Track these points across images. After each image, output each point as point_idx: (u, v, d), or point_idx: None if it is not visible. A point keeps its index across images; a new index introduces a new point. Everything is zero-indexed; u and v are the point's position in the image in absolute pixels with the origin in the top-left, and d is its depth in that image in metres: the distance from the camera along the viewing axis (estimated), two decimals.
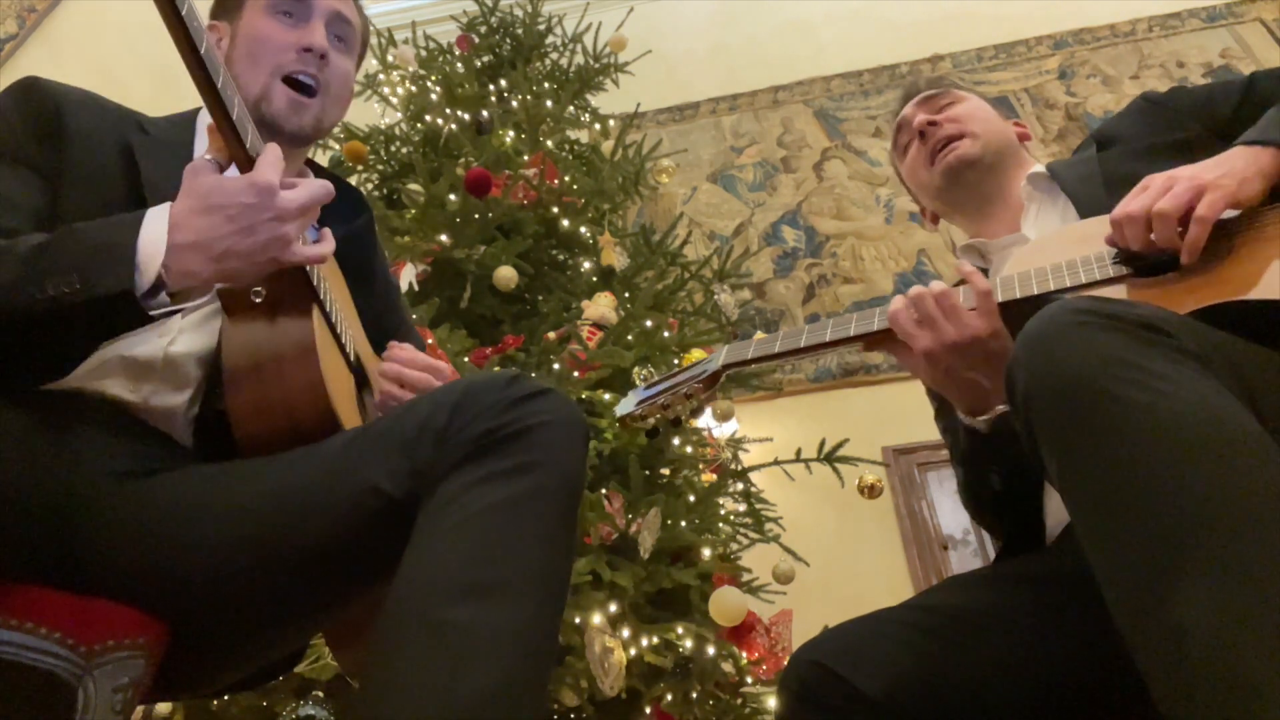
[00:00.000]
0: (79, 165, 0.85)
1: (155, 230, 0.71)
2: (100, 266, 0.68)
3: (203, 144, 0.96)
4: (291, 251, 0.76)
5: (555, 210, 2.41)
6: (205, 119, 0.97)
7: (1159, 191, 0.86)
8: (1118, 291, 0.89)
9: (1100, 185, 1.05)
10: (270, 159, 0.76)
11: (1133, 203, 0.87)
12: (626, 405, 1.14)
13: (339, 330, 0.94)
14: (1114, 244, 0.90)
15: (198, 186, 0.74)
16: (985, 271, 1.20)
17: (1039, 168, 1.18)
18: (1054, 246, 0.99)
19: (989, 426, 0.97)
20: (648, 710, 1.68)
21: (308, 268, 0.87)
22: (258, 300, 0.85)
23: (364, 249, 1.10)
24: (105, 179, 0.86)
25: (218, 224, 0.72)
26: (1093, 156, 1.11)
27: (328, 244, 0.81)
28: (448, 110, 2.68)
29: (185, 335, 0.87)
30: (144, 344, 0.84)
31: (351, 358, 0.97)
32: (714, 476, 2.19)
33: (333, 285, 0.96)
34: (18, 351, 0.72)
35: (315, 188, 0.77)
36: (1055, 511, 1.03)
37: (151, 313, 0.70)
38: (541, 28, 3.12)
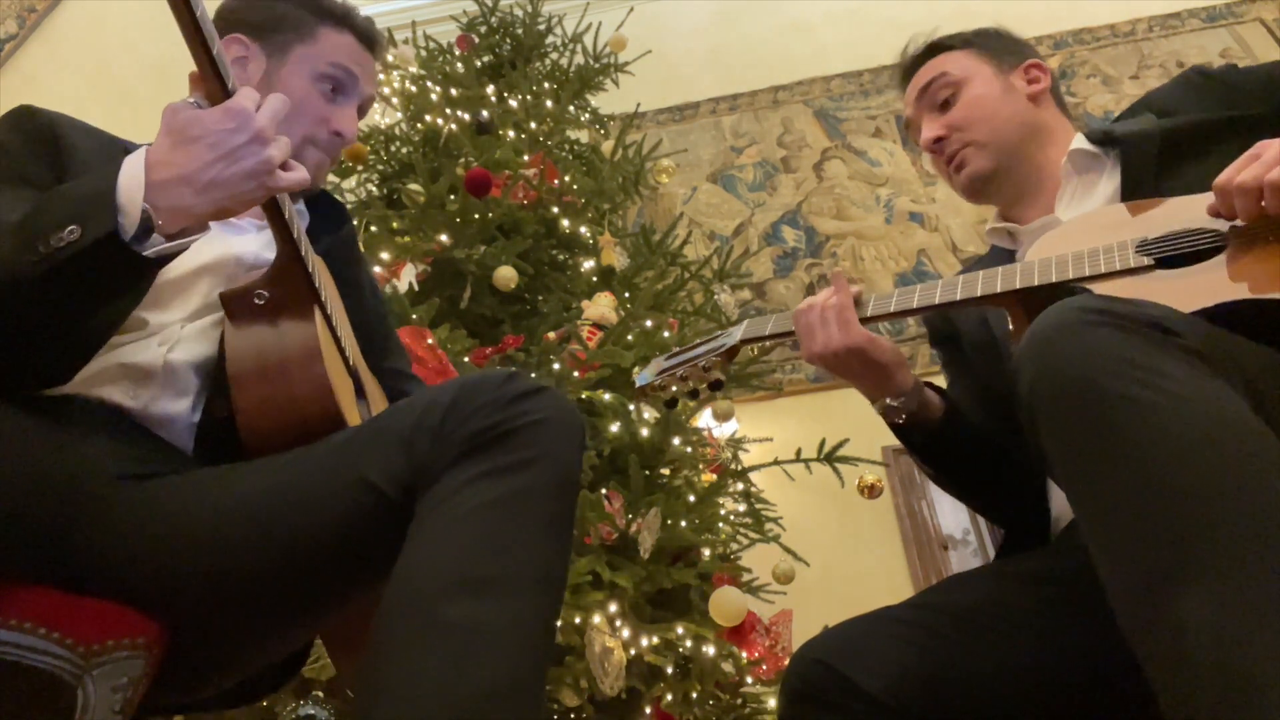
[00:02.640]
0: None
1: (132, 170, 0.70)
2: (84, 217, 0.67)
3: None
4: (277, 177, 0.74)
5: (555, 210, 2.40)
6: None
7: (1273, 161, 0.81)
8: (1134, 284, 0.87)
9: (1155, 154, 1.02)
10: (248, 91, 0.75)
11: (1244, 172, 0.82)
12: (646, 376, 1.15)
13: (338, 334, 0.94)
14: (1216, 214, 0.86)
15: (175, 122, 0.72)
16: (1013, 254, 1.18)
17: (1080, 143, 1.12)
18: (1080, 232, 0.97)
19: (885, 418, 1.08)
20: (648, 710, 1.68)
21: (310, 269, 0.87)
22: (260, 303, 0.85)
23: (349, 258, 1.11)
24: None
25: (200, 154, 0.71)
26: (1153, 120, 1.06)
27: (301, 170, 0.79)
28: (448, 110, 2.68)
29: (184, 343, 0.87)
30: (143, 351, 0.84)
31: (350, 362, 0.97)
32: (714, 476, 2.18)
33: (329, 293, 0.96)
34: (34, 333, 0.72)
35: (274, 102, 0.75)
36: (1059, 506, 1.03)
37: (146, 253, 0.69)
38: (541, 28, 3.11)
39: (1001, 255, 1.20)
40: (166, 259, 0.72)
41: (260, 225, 1.01)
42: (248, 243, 0.97)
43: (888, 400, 1.06)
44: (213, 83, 0.74)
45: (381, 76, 2.92)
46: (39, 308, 0.70)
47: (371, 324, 1.13)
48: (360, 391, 1.00)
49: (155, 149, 0.72)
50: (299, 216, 1.04)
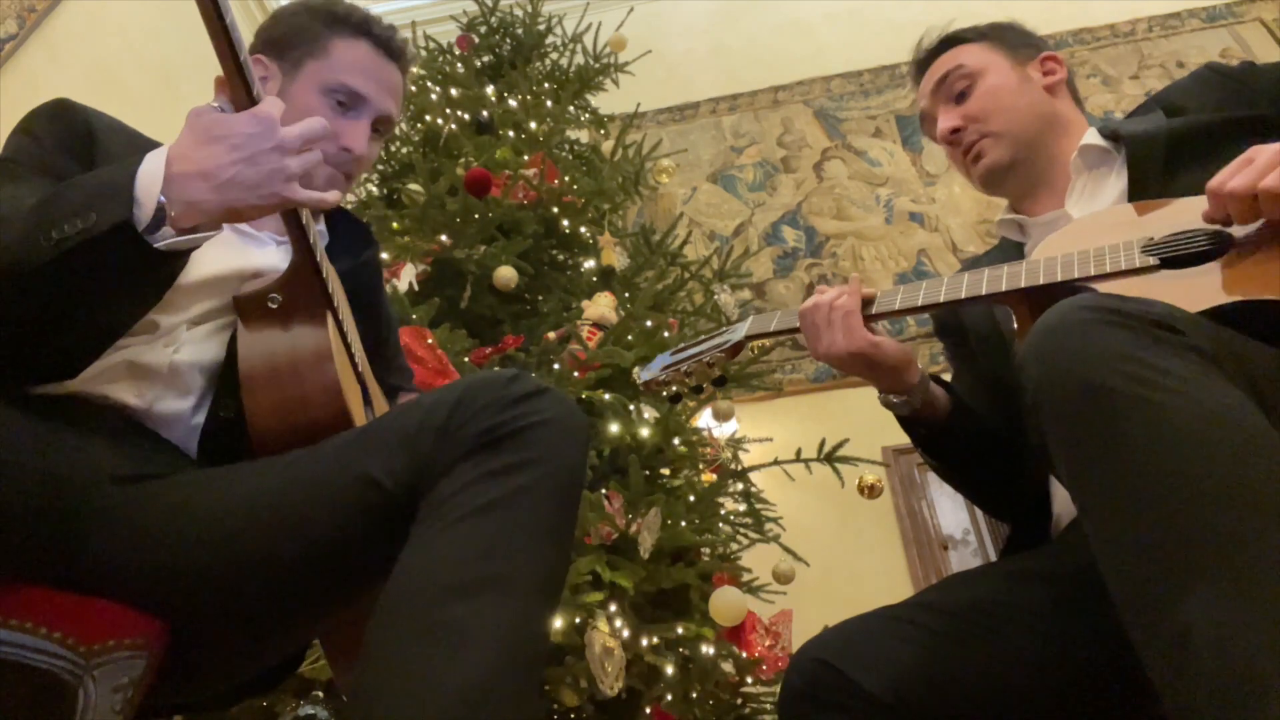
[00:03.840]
0: None
1: (153, 164, 0.71)
2: (100, 205, 0.68)
3: None
4: (294, 189, 0.75)
5: (555, 210, 2.40)
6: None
7: (1266, 166, 0.79)
8: (1139, 284, 0.86)
9: (1161, 155, 1.01)
10: (274, 100, 0.76)
11: (1236, 178, 0.80)
12: (650, 371, 1.15)
13: (348, 341, 0.95)
14: (1210, 219, 0.85)
15: (200, 122, 0.74)
16: (1021, 246, 1.18)
17: (1092, 137, 1.12)
18: (1086, 232, 0.97)
19: (889, 410, 1.09)
20: (648, 710, 1.68)
21: (323, 276, 0.88)
22: (274, 306, 0.86)
23: (370, 280, 1.12)
24: None
25: (220, 153, 0.72)
26: (1161, 120, 1.05)
27: (333, 193, 0.80)
28: (448, 110, 2.68)
29: (190, 346, 0.87)
30: (150, 351, 0.85)
31: (359, 369, 0.98)
32: (714, 476, 2.18)
33: (340, 301, 0.97)
34: (43, 321, 0.72)
35: (312, 123, 0.77)
36: (1061, 504, 1.03)
37: (158, 245, 0.69)
38: (541, 28, 3.11)
39: (1010, 247, 1.20)
40: (178, 255, 0.72)
41: (280, 240, 1.01)
42: (267, 256, 0.98)
43: (891, 397, 1.06)
44: (238, 88, 0.75)
45: None
46: (49, 294, 0.71)
47: (381, 348, 1.14)
48: (367, 400, 1.01)
49: (177, 145, 0.73)
50: (320, 237, 1.05)
